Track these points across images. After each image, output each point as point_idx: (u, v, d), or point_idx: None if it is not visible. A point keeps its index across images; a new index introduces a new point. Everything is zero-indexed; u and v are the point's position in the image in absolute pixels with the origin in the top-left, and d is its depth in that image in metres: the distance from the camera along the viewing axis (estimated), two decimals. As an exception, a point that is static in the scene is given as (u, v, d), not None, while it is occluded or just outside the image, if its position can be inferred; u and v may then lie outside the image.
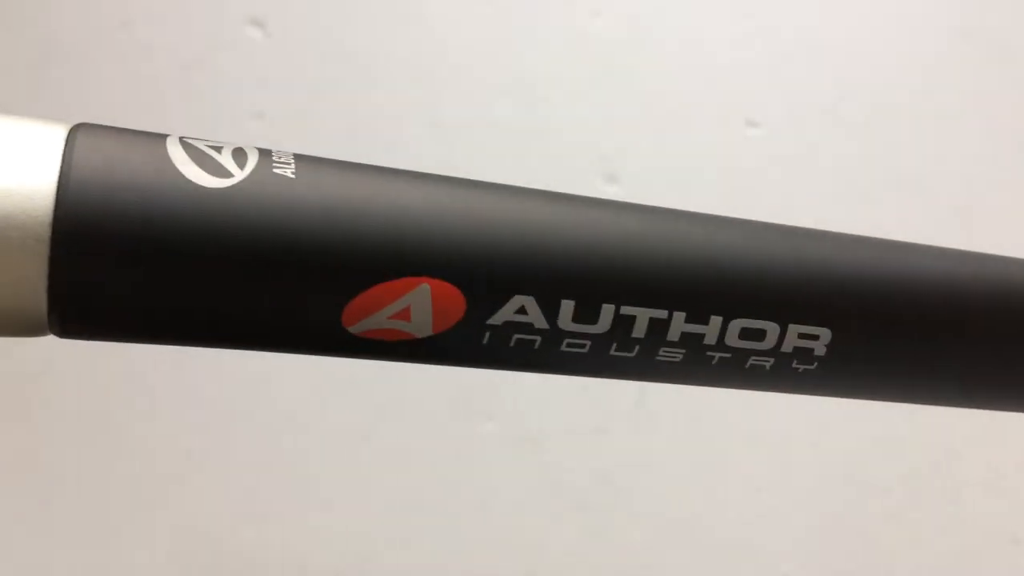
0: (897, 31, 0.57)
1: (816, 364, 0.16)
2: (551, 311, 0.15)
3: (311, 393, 0.54)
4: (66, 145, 0.13)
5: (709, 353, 0.15)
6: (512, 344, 0.15)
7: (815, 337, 0.16)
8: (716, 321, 0.15)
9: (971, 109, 0.57)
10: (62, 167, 0.12)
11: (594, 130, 0.56)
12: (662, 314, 0.15)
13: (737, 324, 0.16)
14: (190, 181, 0.13)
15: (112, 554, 0.54)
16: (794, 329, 0.16)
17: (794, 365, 0.16)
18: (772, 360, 0.16)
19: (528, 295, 0.15)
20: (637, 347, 0.15)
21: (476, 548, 0.54)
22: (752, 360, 0.16)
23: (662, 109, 0.56)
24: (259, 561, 0.54)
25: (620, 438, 0.54)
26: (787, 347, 0.16)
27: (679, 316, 0.15)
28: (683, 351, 0.15)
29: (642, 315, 0.15)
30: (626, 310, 0.15)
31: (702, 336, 0.15)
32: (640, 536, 0.54)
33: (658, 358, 0.15)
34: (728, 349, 0.16)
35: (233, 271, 0.13)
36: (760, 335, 0.16)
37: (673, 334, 0.15)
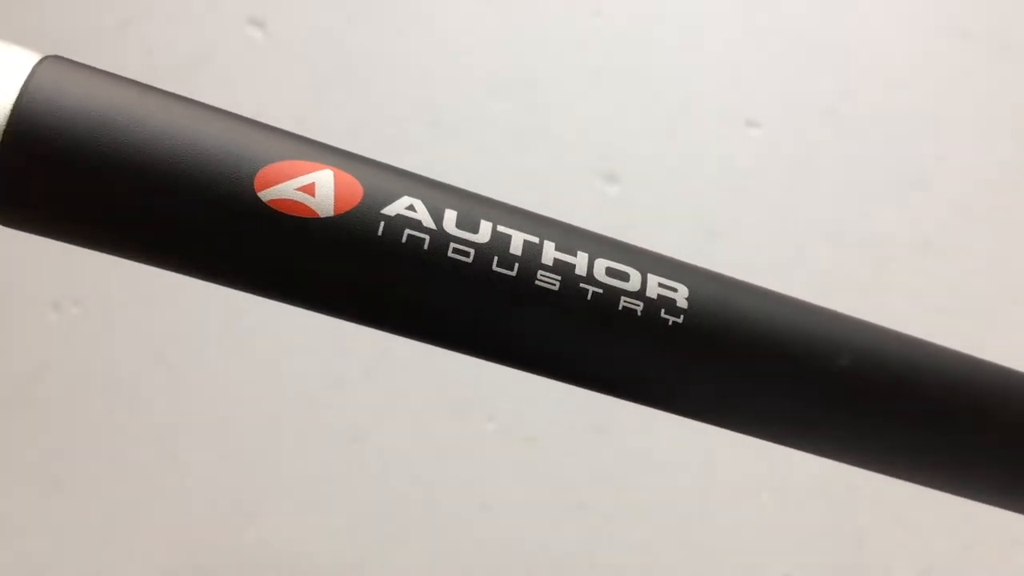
0: (897, 31, 0.57)
1: (683, 317, 0.18)
2: (437, 215, 0.17)
3: (311, 393, 0.54)
4: (34, 67, 0.16)
5: (583, 285, 0.17)
6: (404, 240, 0.17)
7: (674, 289, 0.18)
8: (583, 256, 0.18)
9: (971, 109, 0.57)
10: (24, 83, 0.15)
11: (594, 130, 0.56)
12: (534, 239, 0.17)
13: (603, 263, 0.18)
14: None
15: (108, 554, 0.54)
16: (654, 279, 0.18)
17: (663, 315, 0.18)
18: (642, 305, 0.18)
19: (416, 198, 0.17)
20: (517, 265, 0.17)
21: (476, 548, 0.54)
22: (624, 302, 0.17)
23: (662, 109, 0.56)
24: (259, 561, 0.54)
25: (620, 438, 0.54)
26: (651, 292, 0.18)
27: (550, 244, 0.17)
28: (559, 277, 0.17)
29: (517, 235, 0.17)
30: (502, 228, 0.17)
31: (573, 266, 0.17)
32: (640, 536, 0.54)
33: (538, 282, 0.17)
34: (599, 284, 0.17)
35: (154, 172, 0.16)
36: (624, 277, 0.18)
37: (547, 258, 0.17)
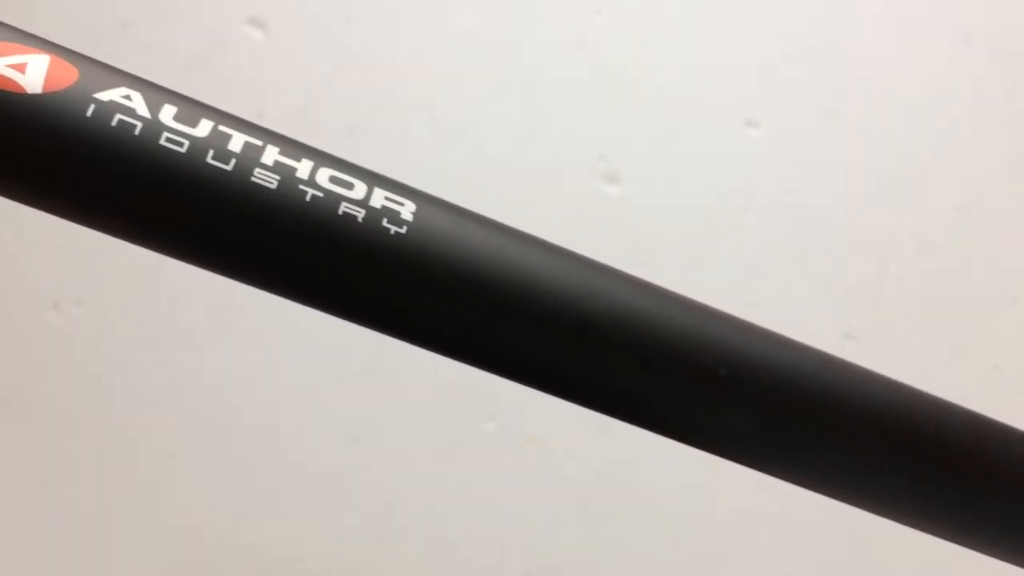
0: (897, 31, 0.57)
1: (406, 228, 0.18)
2: (155, 108, 0.17)
3: (310, 393, 0.54)
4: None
5: (302, 187, 0.17)
6: (114, 123, 0.16)
7: (401, 203, 0.18)
8: (307, 164, 0.18)
9: (971, 109, 0.57)
10: None
11: (594, 130, 0.56)
12: (257, 142, 0.18)
13: (327, 171, 0.18)
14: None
15: (108, 554, 0.54)
16: (381, 192, 0.18)
17: (385, 224, 0.18)
18: (363, 212, 0.18)
19: (136, 91, 0.17)
20: (233, 160, 0.17)
21: (476, 548, 0.54)
22: (345, 207, 0.18)
23: (662, 109, 0.56)
24: (258, 561, 0.54)
25: (620, 438, 0.54)
26: (376, 203, 0.18)
27: (273, 149, 0.18)
28: (277, 177, 0.17)
29: (239, 136, 0.17)
30: (224, 128, 0.17)
31: (295, 169, 0.18)
32: (640, 536, 0.54)
33: (254, 178, 0.17)
34: (320, 188, 0.18)
35: None
36: (349, 186, 0.18)
37: (267, 159, 0.17)
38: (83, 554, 0.54)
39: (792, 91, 0.56)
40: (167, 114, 0.17)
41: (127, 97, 0.17)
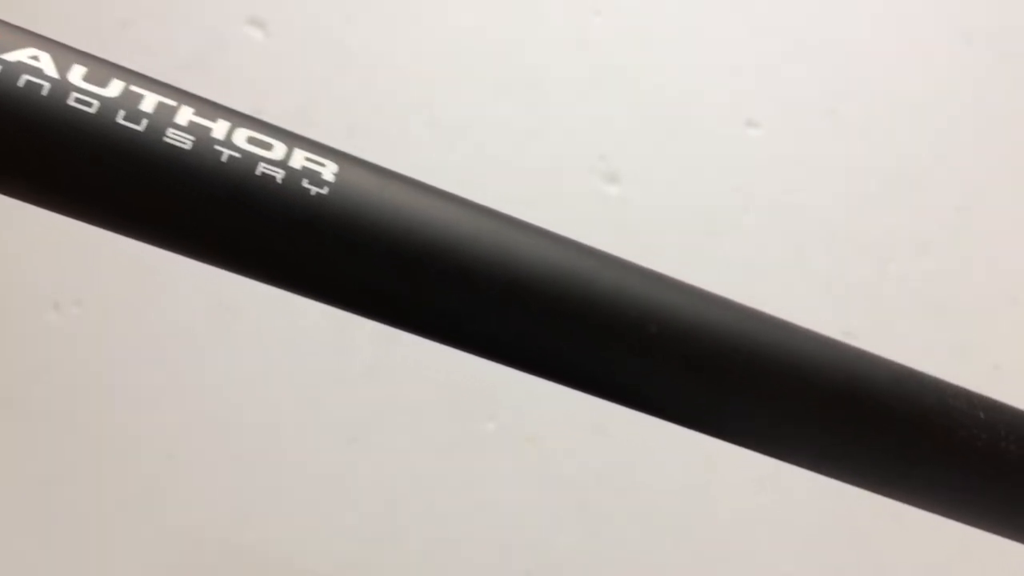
0: (897, 31, 0.57)
1: (328, 189, 0.18)
2: (63, 68, 0.17)
3: (310, 393, 0.54)
4: None
5: (218, 148, 0.17)
6: (21, 84, 0.16)
7: (322, 164, 0.18)
8: (224, 124, 0.17)
9: (971, 109, 0.57)
10: None
11: (594, 130, 0.56)
12: (171, 103, 0.17)
13: (244, 132, 0.18)
14: None
15: (108, 555, 0.54)
16: (301, 153, 0.18)
17: (305, 184, 0.17)
18: (283, 173, 0.17)
19: (45, 52, 0.17)
20: (145, 121, 0.17)
21: (476, 548, 0.54)
22: (263, 168, 0.17)
23: (662, 109, 0.56)
24: (258, 562, 0.54)
25: (620, 438, 0.54)
26: (295, 163, 0.18)
27: (188, 109, 0.17)
28: (191, 137, 0.17)
29: (152, 96, 0.17)
30: (136, 88, 0.17)
31: (210, 129, 0.17)
32: (640, 536, 0.54)
33: (167, 139, 0.17)
34: (236, 149, 0.17)
35: None
36: (267, 146, 0.18)
37: (181, 119, 0.17)
38: (83, 554, 0.54)
39: (792, 91, 0.56)
40: (76, 74, 0.17)
41: (35, 58, 0.17)
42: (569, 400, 0.57)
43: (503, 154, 0.55)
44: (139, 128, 0.17)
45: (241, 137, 0.17)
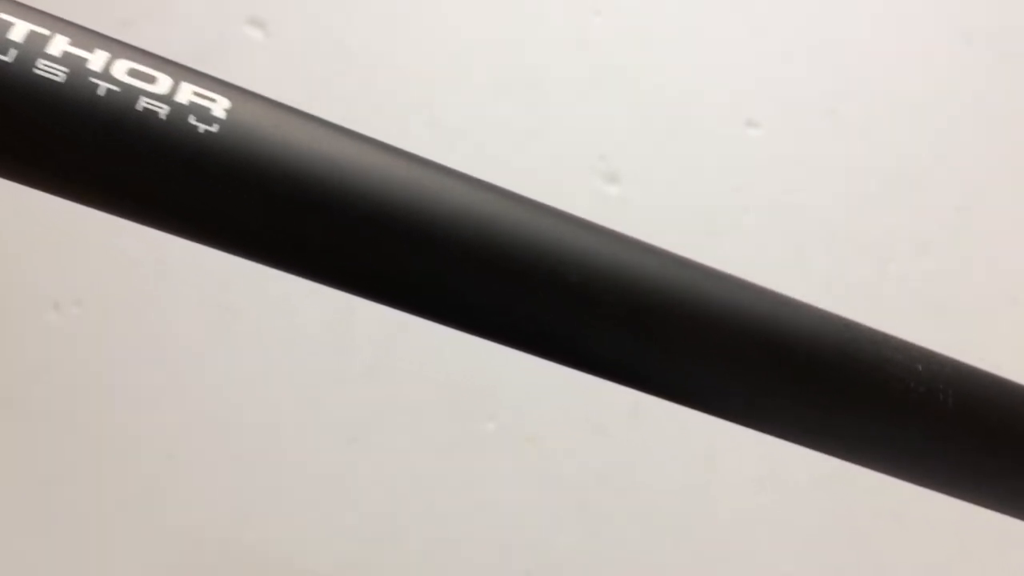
0: (897, 31, 0.57)
1: (218, 127, 0.16)
2: None
3: (310, 393, 0.54)
4: None
5: (94, 80, 0.16)
6: None
7: (212, 100, 0.17)
8: (102, 55, 0.16)
9: (971, 109, 0.57)
10: None
11: (594, 130, 0.56)
12: (44, 31, 0.16)
13: (125, 63, 0.16)
14: None
15: (108, 555, 0.54)
16: (189, 87, 0.16)
17: (192, 121, 0.16)
18: (167, 108, 0.16)
19: None
20: (14, 51, 0.16)
21: (476, 548, 0.54)
22: (144, 102, 0.16)
23: (662, 109, 0.56)
24: (258, 562, 0.54)
25: (620, 438, 0.54)
26: (182, 98, 0.16)
27: (62, 39, 0.16)
28: (65, 69, 0.16)
29: (23, 25, 0.16)
30: (5, 17, 0.16)
31: (86, 60, 0.16)
32: (640, 536, 0.54)
33: (37, 70, 0.16)
34: (115, 82, 0.16)
35: None
36: (150, 79, 0.16)
37: (54, 49, 0.16)
38: (83, 554, 0.54)
39: (792, 91, 0.56)
40: None
41: None
42: (569, 400, 0.57)
43: (503, 154, 0.55)
44: (6, 59, 0.16)
45: (121, 69, 0.16)
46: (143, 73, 0.16)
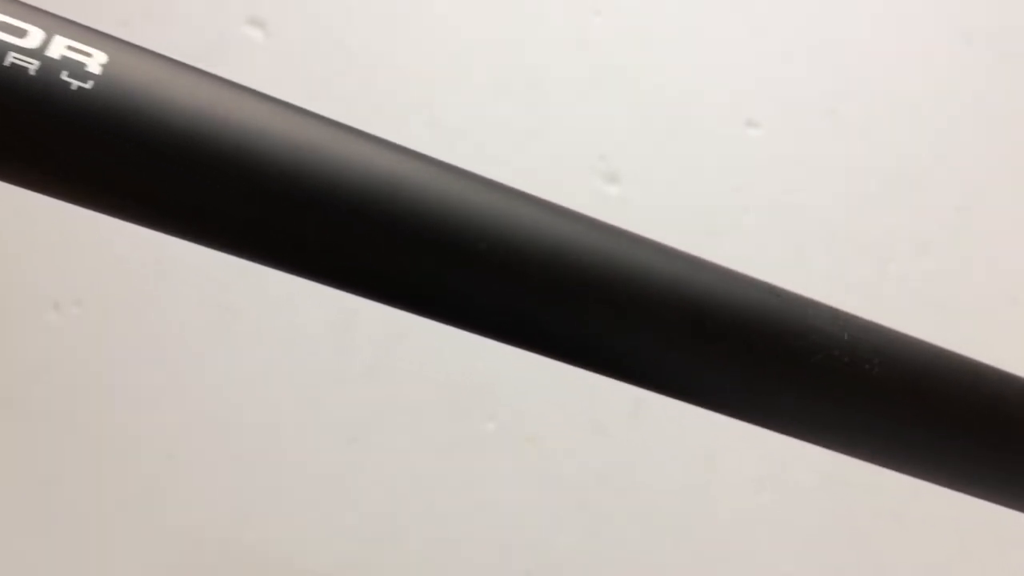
0: (897, 31, 0.57)
1: (93, 83, 0.15)
2: None
3: (310, 393, 0.54)
4: None
5: None
6: None
7: (88, 55, 0.16)
8: None
9: (971, 109, 0.57)
10: None
11: (594, 130, 0.56)
12: None
13: None
14: None
15: (108, 554, 0.54)
16: (63, 40, 0.16)
17: (64, 77, 0.15)
18: (37, 63, 0.15)
19: None
20: None
21: (476, 548, 0.54)
22: (13, 58, 0.15)
23: (662, 109, 0.56)
24: (258, 562, 0.54)
25: (620, 438, 0.54)
26: (54, 53, 0.15)
27: None
28: None
29: None
30: None
31: None
32: (640, 536, 0.54)
33: None
34: None
35: None
36: (20, 32, 0.15)
37: None
38: (83, 554, 0.54)
39: (792, 91, 0.56)
40: None
41: None
42: (569, 400, 0.57)
43: (503, 154, 0.55)
44: None
45: None
46: (12, 26, 0.15)
